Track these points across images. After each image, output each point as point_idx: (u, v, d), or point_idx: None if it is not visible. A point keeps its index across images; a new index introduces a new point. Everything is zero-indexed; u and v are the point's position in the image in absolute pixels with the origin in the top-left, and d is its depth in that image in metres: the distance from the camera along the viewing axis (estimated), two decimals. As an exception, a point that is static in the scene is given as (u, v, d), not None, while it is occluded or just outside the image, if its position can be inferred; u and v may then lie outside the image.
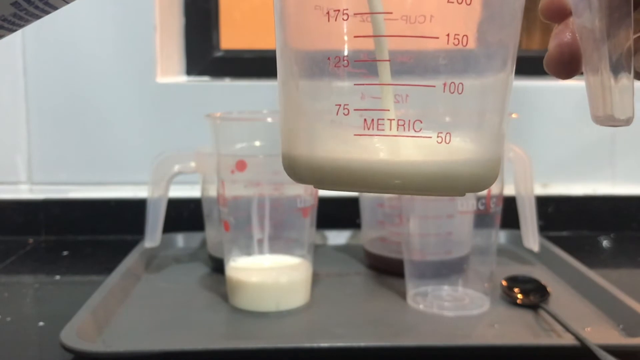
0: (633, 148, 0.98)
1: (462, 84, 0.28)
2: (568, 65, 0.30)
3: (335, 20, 0.29)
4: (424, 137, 0.28)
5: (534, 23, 1.11)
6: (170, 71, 0.99)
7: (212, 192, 0.73)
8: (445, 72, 0.28)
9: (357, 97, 0.29)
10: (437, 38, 0.28)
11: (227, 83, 0.99)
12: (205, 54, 1.02)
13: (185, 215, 0.92)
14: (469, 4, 0.28)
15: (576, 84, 0.96)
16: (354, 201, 0.81)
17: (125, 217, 0.93)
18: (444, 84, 0.28)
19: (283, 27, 0.31)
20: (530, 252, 0.78)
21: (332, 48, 0.29)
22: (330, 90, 0.30)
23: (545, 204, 0.94)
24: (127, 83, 0.94)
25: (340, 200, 0.91)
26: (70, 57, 0.94)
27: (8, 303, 0.68)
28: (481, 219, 0.62)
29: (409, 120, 0.28)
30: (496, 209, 0.62)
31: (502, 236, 0.85)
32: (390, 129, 0.28)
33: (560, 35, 0.30)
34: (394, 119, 0.28)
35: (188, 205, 0.92)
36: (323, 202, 0.69)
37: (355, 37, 0.29)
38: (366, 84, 0.29)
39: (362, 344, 0.53)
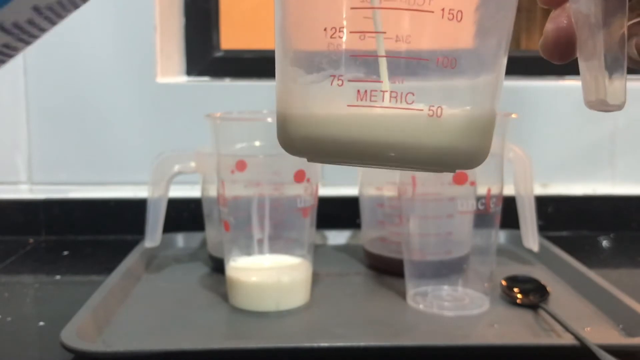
0: (633, 148, 0.98)
1: (455, 59, 0.29)
2: (563, 49, 0.30)
3: None
4: (415, 109, 0.29)
5: (534, 23, 1.11)
6: (170, 71, 0.99)
7: (212, 192, 0.73)
8: (439, 47, 0.29)
9: (352, 68, 0.29)
10: (432, 12, 0.28)
11: (227, 83, 0.99)
12: (205, 54, 1.02)
13: (186, 215, 0.93)
14: None
15: (576, 84, 0.96)
16: (354, 201, 0.81)
17: (126, 217, 0.94)
18: (438, 59, 0.29)
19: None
20: (530, 252, 0.78)
21: (328, 19, 0.30)
22: (325, 61, 0.30)
23: (545, 204, 0.94)
24: (127, 83, 0.94)
25: (340, 200, 0.91)
26: (71, 57, 0.94)
27: (8, 303, 0.68)
28: (481, 219, 0.62)
29: (402, 93, 0.29)
30: (496, 209, 0.62)
31: (501, 236, 0.85)
32: (383, 100, 0.29)
33: (557, 20, 0.30)
34: (387, 91, 0.29)
35: (188, 205, 0.92)
36: (323, 202, 0.69)
37: (352, 8, 0.29)
38: (361, 55, 0.29)
39: (362, 343, 0.53)
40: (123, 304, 0.65)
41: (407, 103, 0.29)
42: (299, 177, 0.63)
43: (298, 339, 0.56)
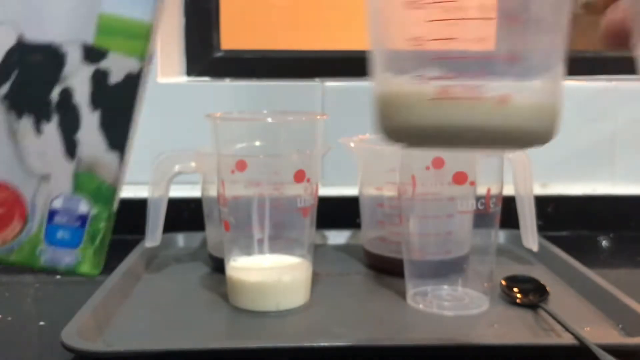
0: (632, 148, 0.98)
1: (521, 53, 0.35)
2: (617, 40, 0.34)
3: (416, 9, 0.35)
4: (490, 96, 0.34)
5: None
6: (170, 71, 0.99)
7: (213, 192, 0.73)
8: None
9: (434, 68, 0.35)
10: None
11: (227, 83, 0.99)
12: (205, 54, 1.02)
13: (186, 215, 0.93)
14: None
15: (576, 84, 0.96)
16: (354, 201, 0.81)
17: (126, 217, 0.93)
18: (503, 56, 0.35)
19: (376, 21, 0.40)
20: (530, 251, 0.78)
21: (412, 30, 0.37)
22: (411, 63, 0.37)
23: (544, 203, 0.95)
24: (128, 83, 0.94)
25: (340, 200, 0.92)
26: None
27: (9, 303, 0.68)
28: (481, 219, 0.62)
29: (475, 84, 0.34)
30: (495, 208, 0.62)
31: (501, 236, 0.85)
32: (465, 92, 0.34)
33: (613, 11, 0.34)
34: (464, 84, 0.35)
35: (188, 205, 0.92)
36: (323, 202, 0.69)
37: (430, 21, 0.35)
38: (443, 58, 0.35)
39: (362, 343, 0.54)
40: (123, 303, 0.65)
41: (482, 92, 0.34)
42: (299, 177, 0.63)
43: (298, 339, 0.56)
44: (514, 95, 0.34)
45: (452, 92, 0.35)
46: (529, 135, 0.37)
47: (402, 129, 0.37)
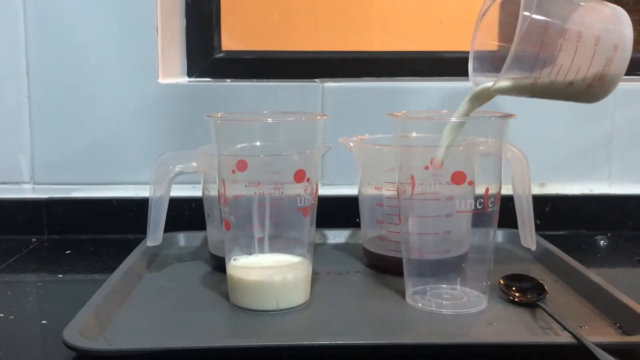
0: (629, 148, 0.99)
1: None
2: None
3: None
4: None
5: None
6: (171, 72, 0.99)
7: (213, 191, 0.73)
8: None
9: None
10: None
11: (228, 84, 0.99)
12: (206, 55, 1.02)
13: (187, 214, 0.93)
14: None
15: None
16: (353, 200, 0.82)
17: (127, 216, 0.94)
18: None
19: None
20: (528, 251, 0.78)
21: None
22: None
23: (542, 203, 0.95)
24: (129, 84, 0.95)
25: (339, 199, 0.92)
26: (73, 57, 0.94)
27: (11, 301, 0.68)
28: (479, 218, 0.62)
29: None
30: (494, 208, 0.63)
31: (499, 235, 0.85)
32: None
33: None
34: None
35: (189, 204, 0.92)
36: (323, 201, 0.69)
37: None
38: None
39: (362, 341, 0.54)
40: (125, 302, 0.66)
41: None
42: (299, 177, 0.63)
43: (298, 337, 0.56)
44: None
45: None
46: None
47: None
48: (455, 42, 1.06)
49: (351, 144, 0.78)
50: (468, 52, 0.69)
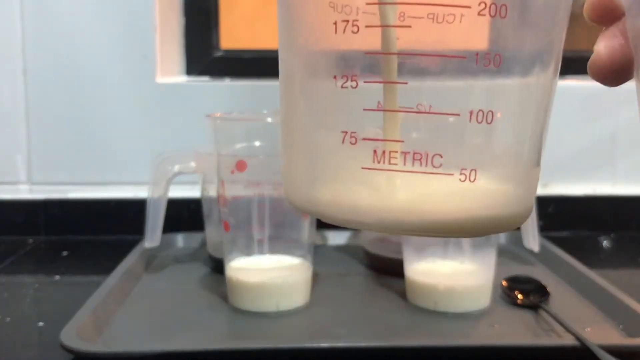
0: (633, 148, 0.98)
1: (492, 112, 0.25)
2: (618, 71, 0.27)
3: (344, 32, 0.25)
4: (444, 174, 0.25)
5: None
6: (170, 71, 0.99)
7: (212, 192, 0.73)
8: (472, 99, 0.25)
9: (366, 124, 0.25)
10: (464, 58, 0.24)
11: (227, 83, 0.99)
12: (205, 54, 1.02)
13: (185, 215, 0.92)
14: (504, 17, 0.24)
15: (576, 84, 0.96)
16: (354, 201, 0.81)
17: (125, 217, 0.93)
18: (470, 112, 0.25)
19: (288, 30, 0.28)
20: (531, 252, 0.78)
21: (338, 65, 0.25)
22: (335, 115, 0.26)
23: (545, 204, 0.94)
24: (127, 83, 0.94)
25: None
26: (70, 57, 0.94)
27: (8, 303, 0.68)
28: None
29: (427, 154, 0.24)
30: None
31: (502, 236, 0.85)
32: (405, 164, 0.25)
33: (611, 40, 0.27)
34: (408, 152, 0.25)
35: (188, 205, 0.92)
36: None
37: (366, 54, 0.25)
38: (377, 110, 0.25)
39: (362, 344, 0.53)
40: (123, 304, 0.65)
41: (434, 167, 0.24)
42: (299, 177, 0.63)
43: (298, 340, 0.56)
44: (483, 169, 0.25)
45: (393, 161, 0.25)
46: (499, 220, 0.26)
47: (316, 202, 0.28)
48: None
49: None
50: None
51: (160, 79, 0.95)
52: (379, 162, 0.25)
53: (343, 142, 0.25)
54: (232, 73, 1.01)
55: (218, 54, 1.02)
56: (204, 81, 1.00)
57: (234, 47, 1.04)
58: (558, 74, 0.28)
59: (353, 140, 0.25)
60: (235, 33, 1.06)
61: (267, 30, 1.05)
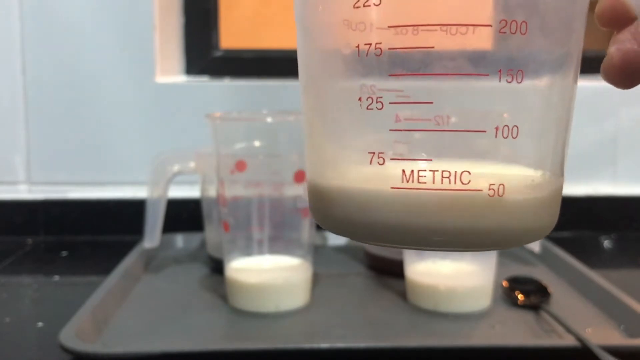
0: (634, 148, 0.98)
1: (517, 127, 0.25)
2: (631, 74, 0.27)
3: (367, 55, 0.25)
4: (473, 190, 0.25)
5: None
6: (169, 71, 0.98)
7: (212, 192, 0.72)
8: (497, 115, 0.25)
9: (394, 143, 0.26)
10: (487, 75, 0.25)
11: (227, 83, 0.98)
12: (204, 53, 1.02)
13: (185, 215, 0.92)
14: (524, 34, 0.25)
15: (578, 83, 0.95)
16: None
17: (125, 217, 0.93)
18: (496, 128, 0.25)
19: (308, 59, 0.28)
20: (531, 252, 0.78)
21: (364, 85, 0.26)
22: (362, 137, 0.27)
23: (545, 204, 0.94)
24: (127, 83, 0.94)
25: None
26: (69, 56, 0.93)
27: (7, 304, 0.68)
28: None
29: (455, 172, 0.25)
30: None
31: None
32: (434, 182, 0.25)
33: (624, 43, 0.27)
34: (437, 170, 0.25)
35: (187, 205, 0.91)
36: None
37: (390, 75, 0.26)
38: (404, 130, 0.26)
39: (362, 344, 0.53)
40: (122, 304, 0.65)
41: (463, 183, 0.25)
42: (299, 177, 0.62)
43: (298, 340, 0.56)
44: (510, 183, 0.26)
45: (422, 179, 0.25)
46: (526, 233, 0.28)
47: (347, 221, 0.28)
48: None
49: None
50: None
51: (160, 79, 0.95)
52: (407, 182, 0.26)
53: (371, 163, 0.26)
54: (231, 73, 1.00)
55: (217, 53, 1.02)
56: (203, 81, 1.00)
57: (233, 46, 1.04)
58: (577, 80, 0.29)
59: (381, 160, 0.26)
60: (235, 33, 1.06)
61: (267, 30, 1.05)
